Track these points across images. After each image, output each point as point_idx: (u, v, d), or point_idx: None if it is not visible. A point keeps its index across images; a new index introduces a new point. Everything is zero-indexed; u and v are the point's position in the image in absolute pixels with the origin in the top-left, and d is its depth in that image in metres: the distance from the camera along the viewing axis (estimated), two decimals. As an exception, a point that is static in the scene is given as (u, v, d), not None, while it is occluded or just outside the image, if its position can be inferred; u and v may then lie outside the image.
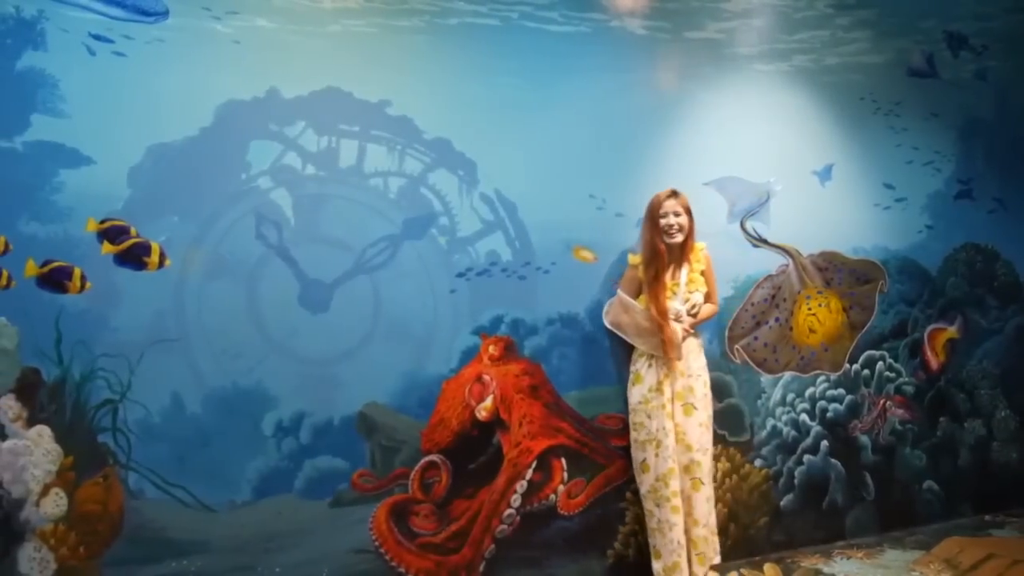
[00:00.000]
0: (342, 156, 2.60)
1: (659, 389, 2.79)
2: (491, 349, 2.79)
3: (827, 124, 3.36)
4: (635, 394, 2.82)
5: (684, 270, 2.81)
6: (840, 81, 3.37)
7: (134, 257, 2.33)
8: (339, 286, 2.60)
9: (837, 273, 3.36)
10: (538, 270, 2.86)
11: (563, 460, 2.89)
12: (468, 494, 2.77)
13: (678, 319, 2.77)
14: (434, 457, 2.72)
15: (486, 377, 2.78)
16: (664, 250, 2.74)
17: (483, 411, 2.77)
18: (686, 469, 2.76)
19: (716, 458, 3.10)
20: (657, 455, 2.76)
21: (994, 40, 3.66)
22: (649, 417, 2.78)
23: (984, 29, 3.65)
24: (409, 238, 2.68)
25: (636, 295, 2.80)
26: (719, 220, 3.15)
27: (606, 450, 2.96)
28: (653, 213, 2.73)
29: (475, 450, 2.78)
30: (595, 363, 2.94)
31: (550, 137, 2.87)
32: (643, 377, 2.82)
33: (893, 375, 3.54)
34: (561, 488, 2.88)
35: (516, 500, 2.80)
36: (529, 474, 2.82)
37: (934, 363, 3.65)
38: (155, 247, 2.34)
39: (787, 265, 3.26)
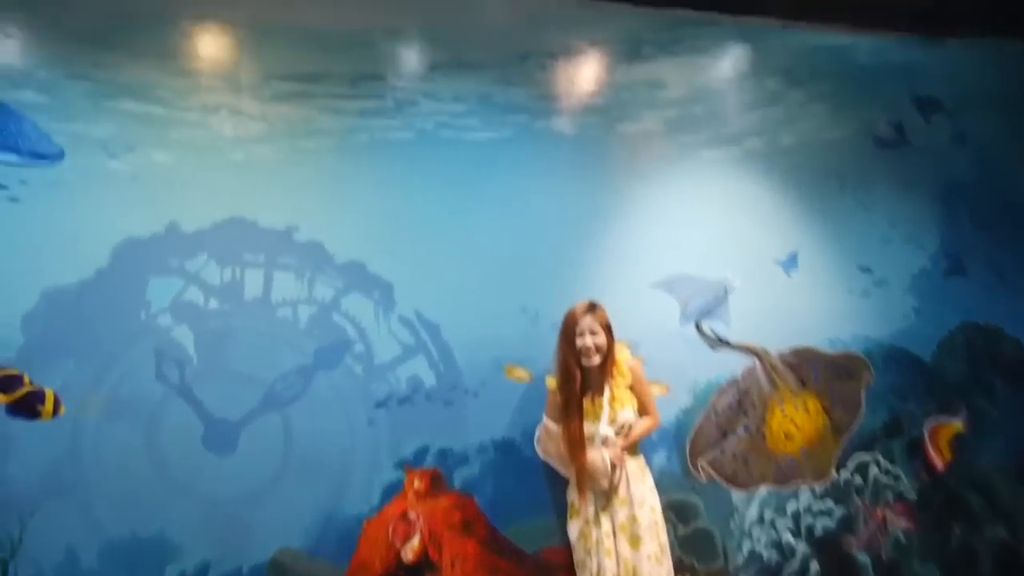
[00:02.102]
0: (247, 287, 2.76)
1: (596, 522, 2.77)
2: (416, 483, 2.85)
3: (788, 209, 3.43)
4: (572, 529, 2.83)
5: (606, 389, 2.82)
6: (799, 161, 3.47)
7: (27, 406, 2.45)
8: (247, 424, 2.70)
9: (813, 370, 3.33)
10: (466, 393, 2.94)
11: None
12: None
13: (606, 444, 2.77)
14: None
15: (411, 514, 2.83)
16: (578, 374, 2.75)
17: (410, 552, 2.80)
18: None
19: None
20: None
21: (969, 100, 3.72)
22: (588, 555, 2.77)
23: (956, 90, 3.71)
24: (322, 368, 2.79)
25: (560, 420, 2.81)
26: (671, 323, 3.24)
27: None
28: (568, 331, 2.75)
29: None
30: (535, 491, 2.98)
31: (474, 249, 3.01)
32: (579, 510, 2.80)
33: (890, 480, 3.48)
34: None
35: (451, 652, 2.68)
36: None
37: (939, 462, 3.58)
38: (49, 395, 2.47)
39: (754, 366, 3.23)
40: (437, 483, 2.88)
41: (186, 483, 2.61)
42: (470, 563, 2.84)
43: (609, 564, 2.71)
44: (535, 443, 2.91)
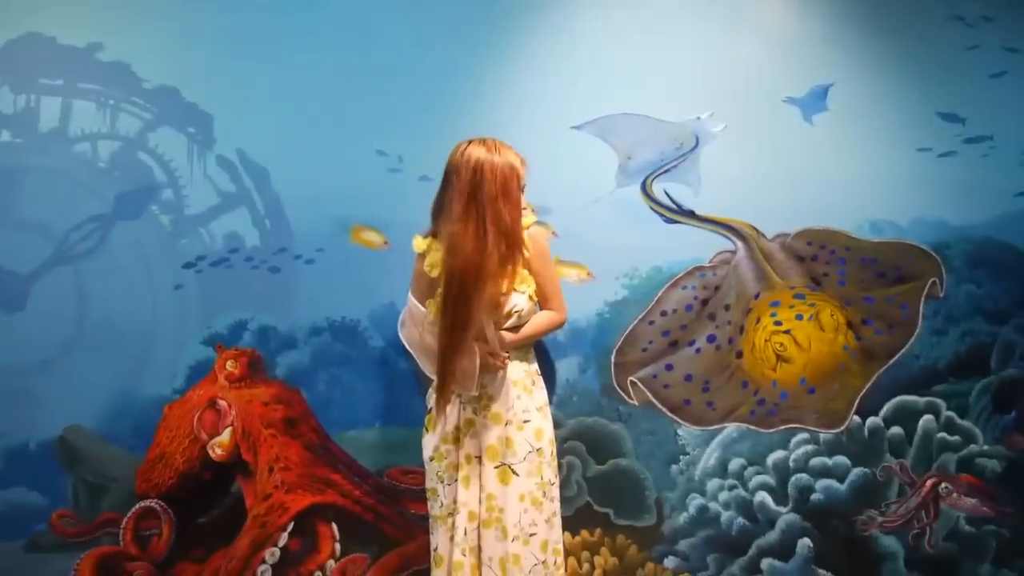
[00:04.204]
0: (43, 117, 2.61)
1: (457, 441, 2.31)
2: (229, 366, 2.57)
3: (818, 22, 2.37)
4: (426, 445, 2.41)
5: None
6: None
7: None
8: (37, 279, 2.58)
9: (837, 265, 2.45)
10: (298, 259, 2.60)
11: (334, 526, 2.59)
12: (198, 556, 2.59)
13: (480, 336, 2.30)
14: (152, 503, 2.59)
15: (222, 403, 2.59)
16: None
17: (218, 448, 2.57)
18: (501, 567, 2.25)
19: (594, 549, 2.56)
20: (453, 541, 2.30)
21: None
22: (442, 482, 2.35)
23: None
24: (123, 218, 2.61)
25: (428, 296, 2.38)
26: (602, 182, 2.64)
27: (401, 519, 2.63)
28: (516, 188, 2.19)
29: (208, 499, 2.61)
30: (386, 392, 2.62)
31: (319, 75, 2.62)
32: (436, 421, 2.36)
33: (957, 440, 2.67)
34: (332, 564, 2.57)
35: (265, 572, 2.51)
36: (283, 539, 2.54)
37: None
38: None
39: (734, 253, 2.30)
40: (255, 368, 2.61)
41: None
42: (293, 472, 2.60)
43: (466, 497, 2.25)
44: (399, 325, 2.54)
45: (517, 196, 2.26)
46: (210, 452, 2.56)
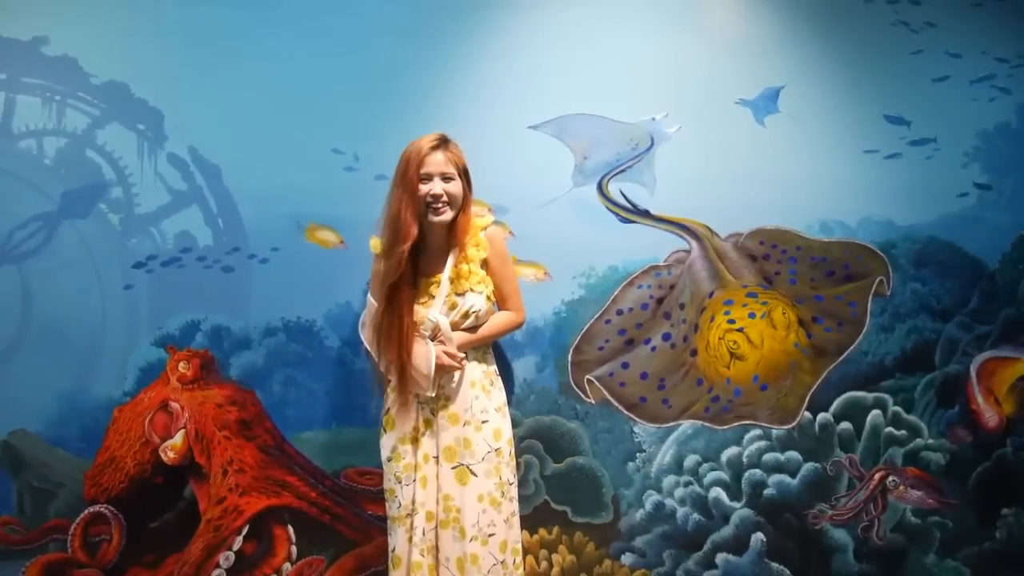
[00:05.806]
0: None
1: (415, 441, 2.32)
2: (181, 367, 2.58)
3: (769, 27, 2.59)
4: (384, 446, 2.42)
5: (450, 259, 2.33)
6: (799, -45, 2.58)
7: None
8: None
9: (788, 264, 2.50)
10: (252, 259, 2.60)
11: (290, 529, 2.63)
12: (150, 562, 2.59)
13: (436, 336, 2.29)
14: (101, 508, 2.59)
15: (174, 405, 2.59)
16: (414, 232, 2.24)
17: (170, 452, 2.58)
18: (458, 567, 2.27)
19: (551, 547, 2.61)
20: (411, 541, 2.32)
21: None
22: (399, 483, 2.36)
23: None
24: (70, 216, 2.60)
25: (386, 296, 2.72)
26: (558, 181, 2.68)
27: (359, 520, 2.67)
28: (409, 172, 2.26)
29: (160, 503, 2.61)
30: (342, 393, 2.63)
31: (274, 71, 2.62)
32: (395, 421, 2.37)
33: (903, 434, 2.76)
34: (288, 567, 2.61)
35: (219, 577, 2.88)
36: (238, 543, 2.56)
37: (991, 416, 2.74)
38: None
39: (688, 252, 2.36)
40: (208, 370, 2.63)
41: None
42: (248, 474, 2.63)
43: (424, 497, 2.28)
44: (359, 327, 2.63)
45: (411, 179, 2.18)
46: (162, 455, 2.58)
